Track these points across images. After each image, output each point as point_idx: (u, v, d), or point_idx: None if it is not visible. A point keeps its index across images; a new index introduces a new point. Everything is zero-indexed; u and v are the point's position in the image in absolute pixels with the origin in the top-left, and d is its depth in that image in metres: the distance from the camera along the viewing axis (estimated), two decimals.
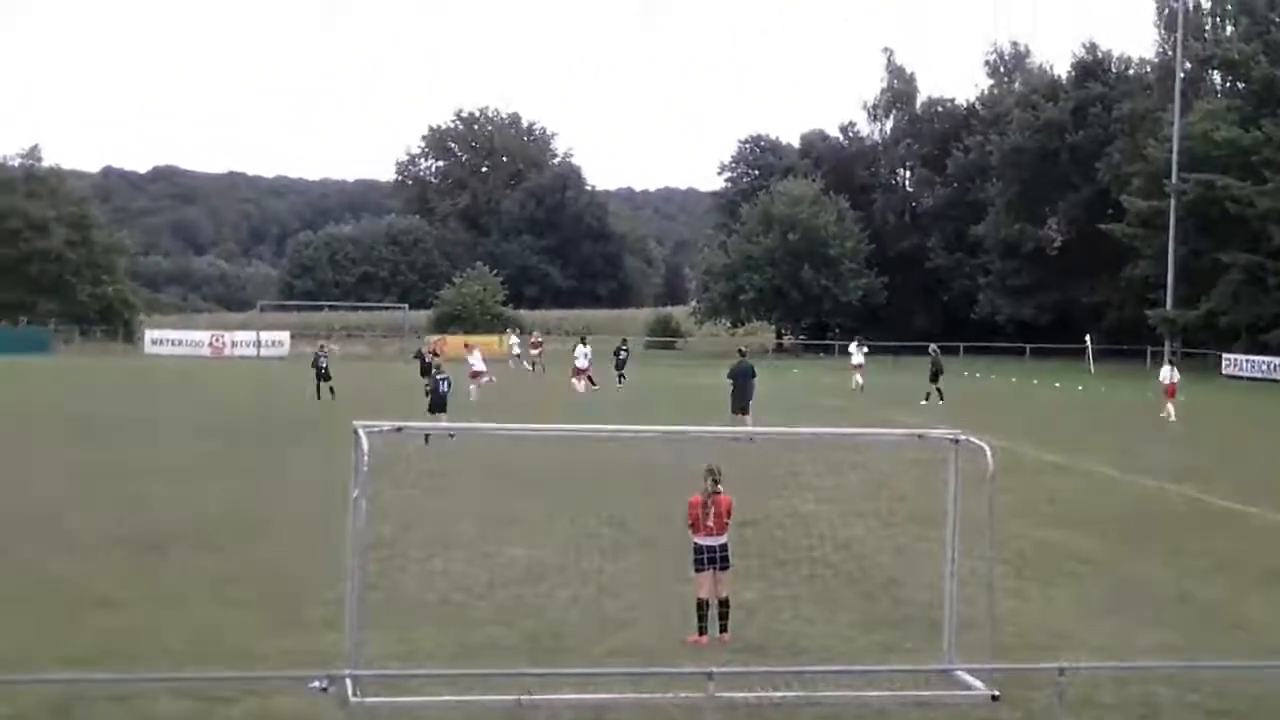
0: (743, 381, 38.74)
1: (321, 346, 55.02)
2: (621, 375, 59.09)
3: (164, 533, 21.29)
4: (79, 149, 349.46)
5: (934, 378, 51.79)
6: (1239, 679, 13.91)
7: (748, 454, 26.80)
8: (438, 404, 34.89)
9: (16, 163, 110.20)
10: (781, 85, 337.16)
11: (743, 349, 45.96)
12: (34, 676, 12.76)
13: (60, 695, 12.39)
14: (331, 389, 48.22)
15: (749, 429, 30.92)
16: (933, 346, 55.33)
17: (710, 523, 15.16)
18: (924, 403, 49.80)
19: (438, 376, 35.72)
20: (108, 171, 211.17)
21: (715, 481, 15.25)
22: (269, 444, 34.05)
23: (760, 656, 14.61)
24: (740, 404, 38.21)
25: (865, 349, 61.57)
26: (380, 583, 16.31)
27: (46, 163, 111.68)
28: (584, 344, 57.22)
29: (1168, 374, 48.89)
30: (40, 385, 55.33)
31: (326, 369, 49.39)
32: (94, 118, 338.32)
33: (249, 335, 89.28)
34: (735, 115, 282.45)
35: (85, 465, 29.19)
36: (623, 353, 61.21)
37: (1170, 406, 46.47)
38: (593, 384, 55.64)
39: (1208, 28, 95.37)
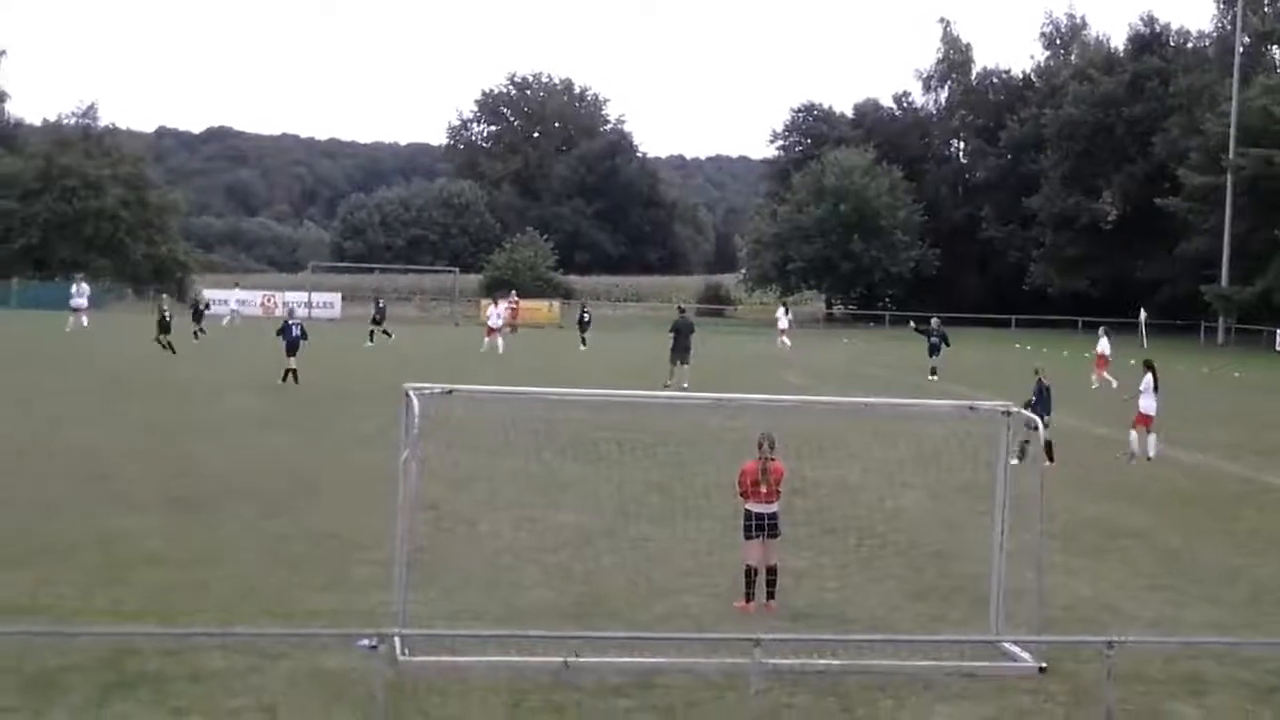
0: (683, 335, 43.77)
1: (164, 297, 57.25)
2: (584, 338, 61.51)
3: (214, 490, 21.49)
4: (133, 109, 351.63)
5: (933, 350, 48.87)
6: None
7: (793, 422, 26.71)
8: (291, 348, 38.57)
9: (73, 121, 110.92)
10: (835, 54, 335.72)
11: (682, 306, 53.96)
12: (86, 629, 12.92)
13: (112, 648, 12.52)
14: (169, 343, 49.68)
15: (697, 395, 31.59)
16: (935, 320, 51.76)
17: (764, 490, 15.17)
18: (932, 378, 47.13)
19: (290, 322, 39.44)
20: (161, 131, 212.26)
21: (771, 447, 15.24)
22: (319, 404, 34.23)
23: (807, 624, 14.60)
24: (679, 356, 43.08)
25: (790, 315, 70.52)
26: (429, 544, 16.39)
27: (102, 122, 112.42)
28: (495, 305, 60.79)
29: (1104, 345, 47.89)
30: (95, 342, 55.73)
31: (169, 321, 51.37)
32: (148, 78, 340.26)
33: (300, 296, 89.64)
34: (788, 84, 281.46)
35: (138, 422, 29.45)
36: (585, 315, 64.77)
37: (1106, 375, 45.92)
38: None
39: (1267, 2, 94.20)
